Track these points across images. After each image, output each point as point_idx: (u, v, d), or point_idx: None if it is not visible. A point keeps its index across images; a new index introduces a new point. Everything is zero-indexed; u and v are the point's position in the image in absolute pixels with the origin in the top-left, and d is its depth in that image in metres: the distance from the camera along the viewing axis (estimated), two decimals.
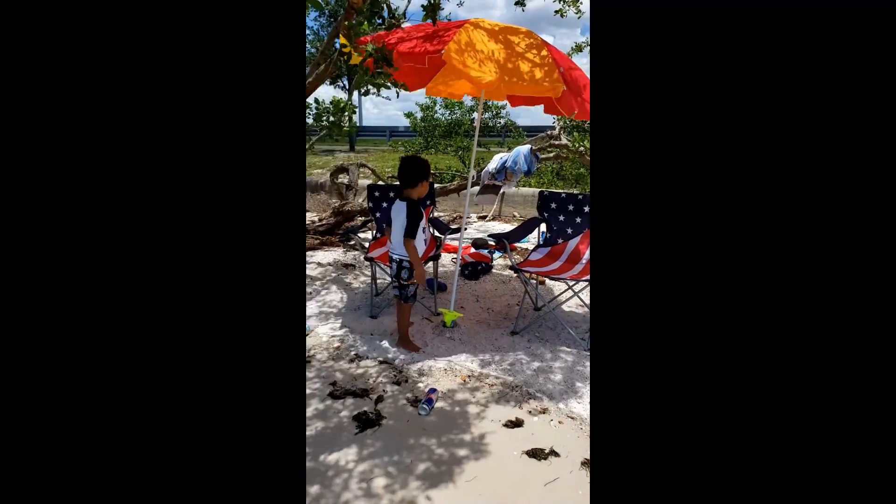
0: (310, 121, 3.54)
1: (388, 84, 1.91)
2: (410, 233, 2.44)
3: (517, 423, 1.93)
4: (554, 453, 1.77)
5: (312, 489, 1.58)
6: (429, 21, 2.29)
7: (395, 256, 2.53)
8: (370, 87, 1.95)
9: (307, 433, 1.85)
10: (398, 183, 2.62)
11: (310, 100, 3.34)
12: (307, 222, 5.16)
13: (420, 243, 2.53)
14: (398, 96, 2.77)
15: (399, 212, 2.50)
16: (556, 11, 3.12)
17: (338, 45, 2.77)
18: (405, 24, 2.63)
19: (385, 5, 2.08)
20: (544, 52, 2.53)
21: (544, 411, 2.03)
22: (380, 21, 2.09)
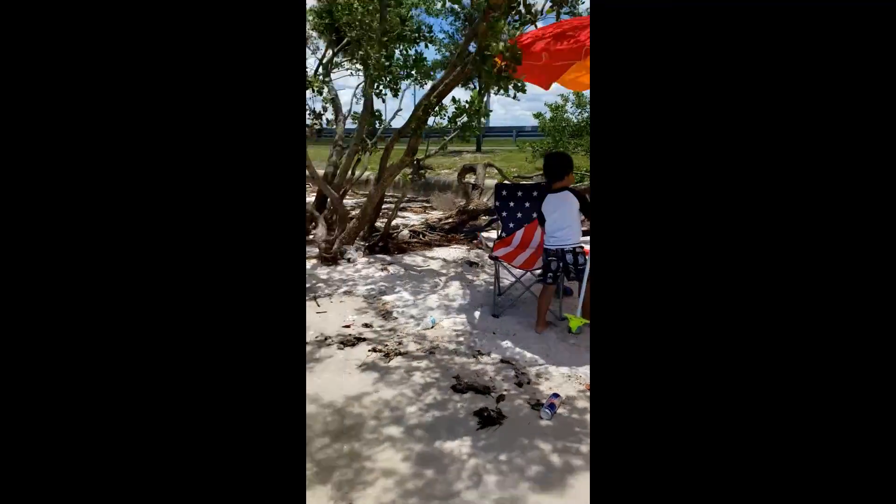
0: (444, 122, 3.67)
1: (512, 83, 1.93)
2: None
3: None
4: None
5: (428, 472, 1.65)
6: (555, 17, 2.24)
7: (566, 247, 2.63)
8: (494, 86, 1.98)
9: (426, 420, 1.93)
10: (525, 182, 2.72)
11: (447, 100, 3.46)
12: (434, 220, 5.38)
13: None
14: (516, 97, 2.82)
15: (560, 202, 2.62)
16: None
17: (471, 49, 2.84)
18: (539, 24, 2.61)
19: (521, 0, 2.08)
20: None
21: None
22: (516, 18, 2.10)
